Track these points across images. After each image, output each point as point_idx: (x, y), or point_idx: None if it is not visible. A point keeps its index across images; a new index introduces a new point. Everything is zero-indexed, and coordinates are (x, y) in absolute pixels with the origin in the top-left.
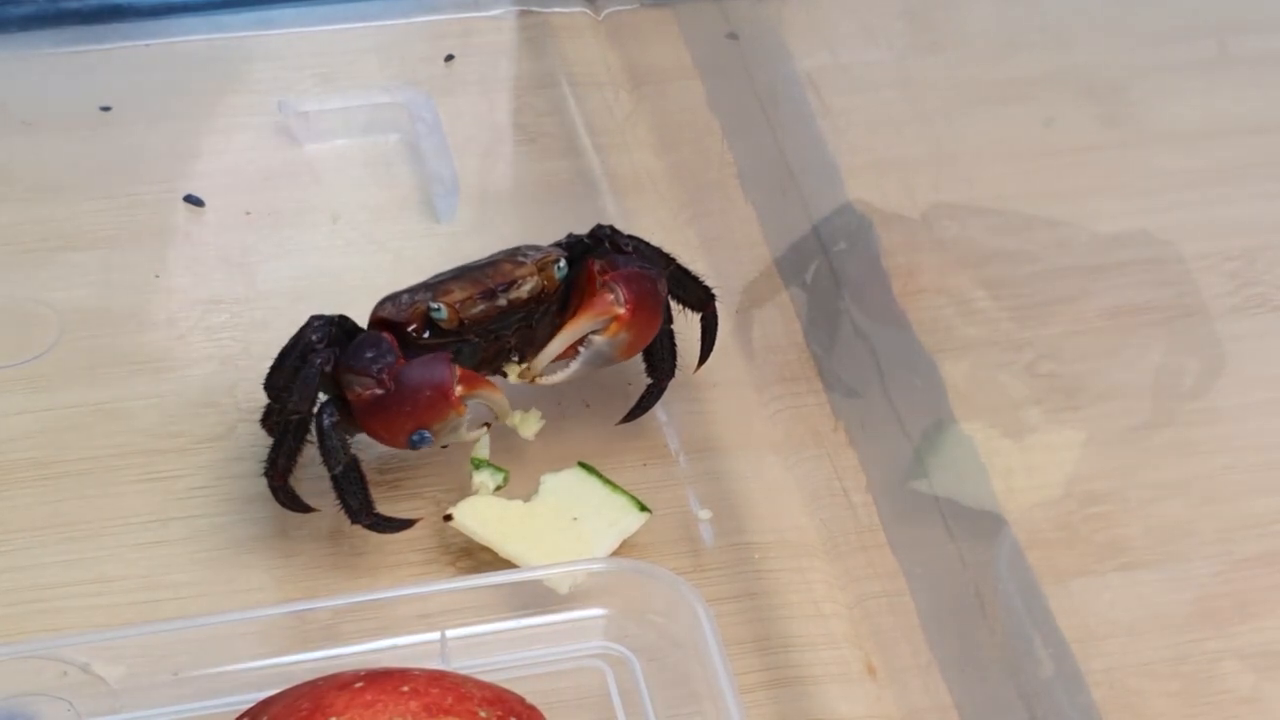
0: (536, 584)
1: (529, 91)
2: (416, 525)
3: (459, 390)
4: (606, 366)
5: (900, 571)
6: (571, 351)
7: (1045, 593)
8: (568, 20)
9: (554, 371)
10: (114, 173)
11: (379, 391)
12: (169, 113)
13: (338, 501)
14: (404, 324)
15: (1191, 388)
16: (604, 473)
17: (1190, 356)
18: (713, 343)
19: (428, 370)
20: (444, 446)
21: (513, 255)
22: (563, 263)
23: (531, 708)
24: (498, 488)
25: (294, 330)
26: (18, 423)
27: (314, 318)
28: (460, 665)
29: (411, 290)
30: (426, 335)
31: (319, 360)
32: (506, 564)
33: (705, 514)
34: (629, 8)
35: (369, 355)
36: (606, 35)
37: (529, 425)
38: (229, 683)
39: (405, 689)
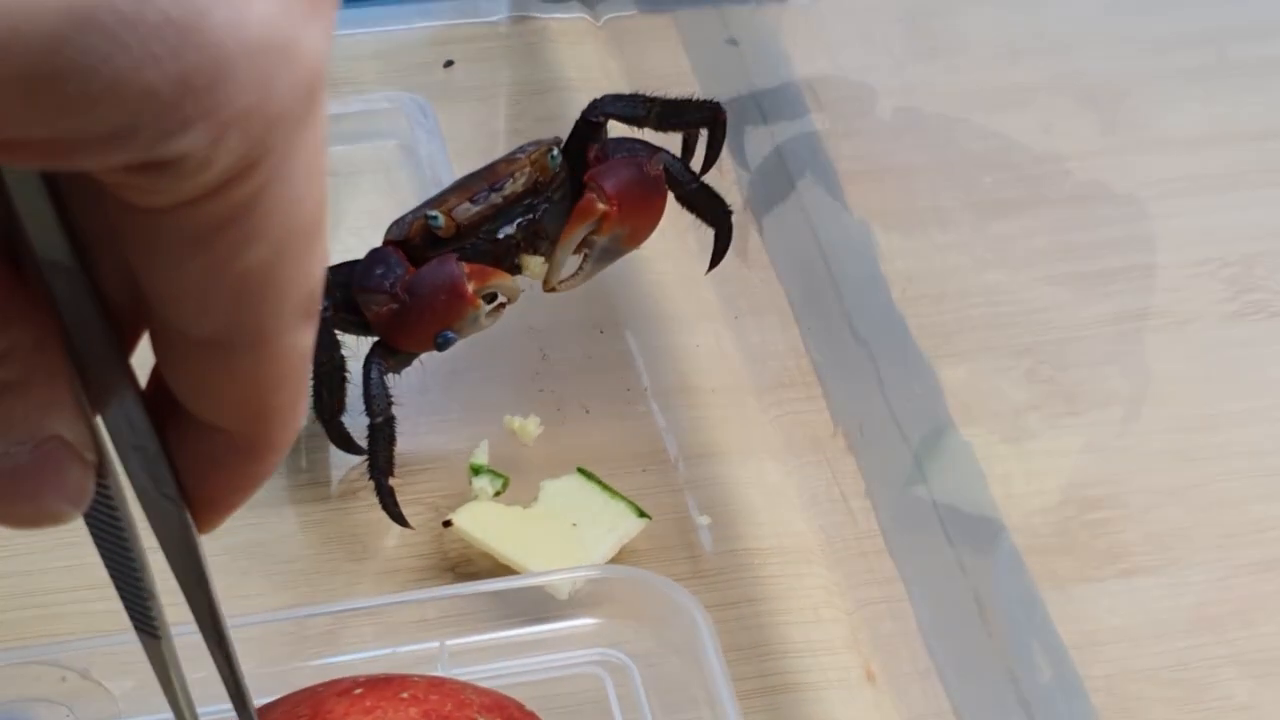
0: (536, 590)
1: (528, 97)
2: (416, 531)
3: (471, 286)
4: (624, 256)
5: (899, 577)
6: (582, 255)
7: (1044, 599)
8: (567, 26)
9: (572, 276)
10: None
11: (395, 305)
12: None
13: (367, 454)
14: (407, 241)
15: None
16: (603, 479)
17: (1189, 362)
18: (717, 153)
19: (438, 273)
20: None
21: (510, 155)
22: (555, 151)
23: (530, 714)
24: (497, 493)
25: None
26: None
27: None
28: (459, 671)
29: (414, 210)
30: (430, 246)
31: (374, 369)
32: (506, 570)
33: (704, 520)
34: (628, 13)
35: (379, 272)
36: (605, 41)
37: (528, 431)
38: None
39: (404, 695)
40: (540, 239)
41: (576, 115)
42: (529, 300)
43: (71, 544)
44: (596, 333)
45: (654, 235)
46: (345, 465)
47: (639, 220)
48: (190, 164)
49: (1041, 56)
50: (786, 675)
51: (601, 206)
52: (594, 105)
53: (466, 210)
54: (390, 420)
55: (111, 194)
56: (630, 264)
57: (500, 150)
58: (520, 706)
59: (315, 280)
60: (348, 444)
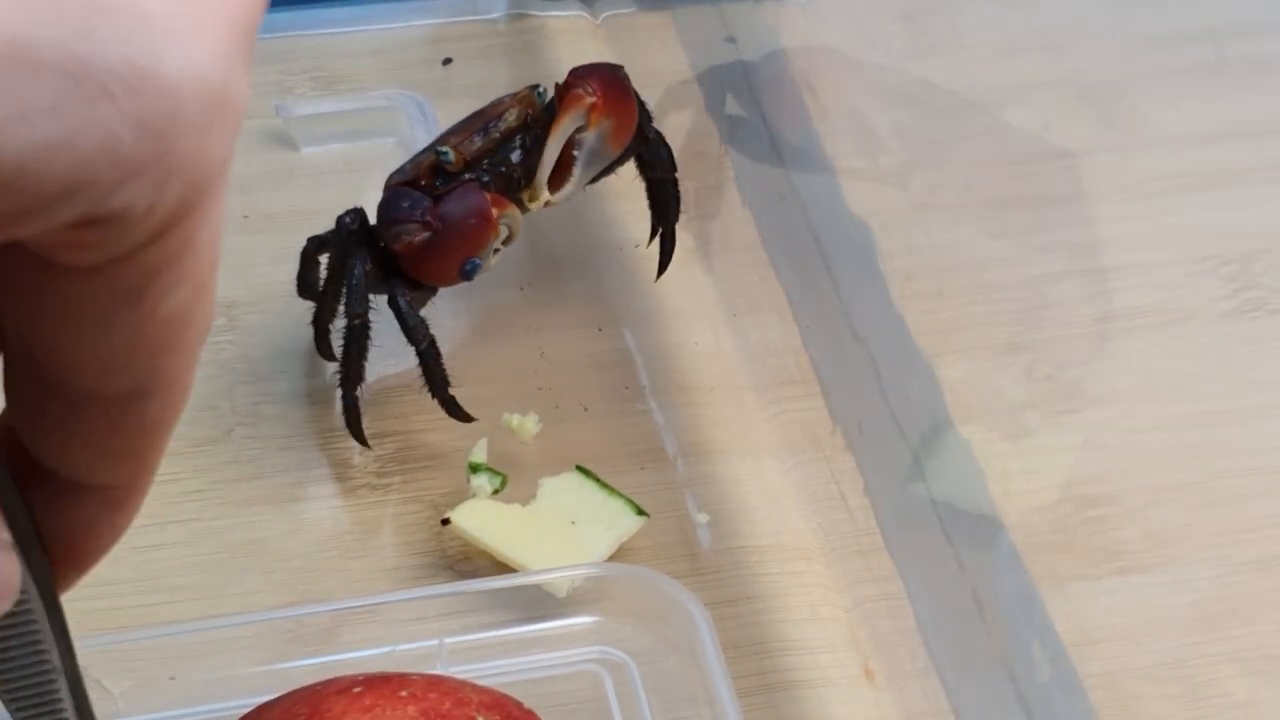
0: (534, 588)
1: None
2: (413, 529)
3: (495, 212)
4: (607, 164)
5: (898, 575)
6: (569, 161)
7: (1043, 597)
8: (565, 24)
9: (564, 188)
10: None
11: (427, 234)
12: None
13: (423, 377)
14: (416, 181)
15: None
16: (602, 476)
17: (1188, 360)
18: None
19: (466, 201)
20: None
21: (495, 101)
22: (542, 88)
23: (529, 712)
24: (495, 491)
25: (291, 334)
26: None
27: (347, 213)
28: (458, 670)
29: (412, 157)
30: (439, 183)
31: (358, 265)
32: (504, 568)
33: (703, 518)
34: (626, 11)
35: (405, 205)
36: (604, 39)
37: (527, 429)
38: (226, 687)
39: (403, 694)
40: (534, 173)
41: None
42: (527, 299)
43: None
44: (595, 331)
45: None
46: (343, 464)
47: (620, 116)
48: (134, 213)
49: (1040, 54)
50: (785, 673)
51: (589, 98)
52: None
53: (471, 144)
54: (433, 341)
55: (31, 261)
56: (628, 262)
57: None
58: (519, 705)
59: (213, 309)
60: (358, 424)
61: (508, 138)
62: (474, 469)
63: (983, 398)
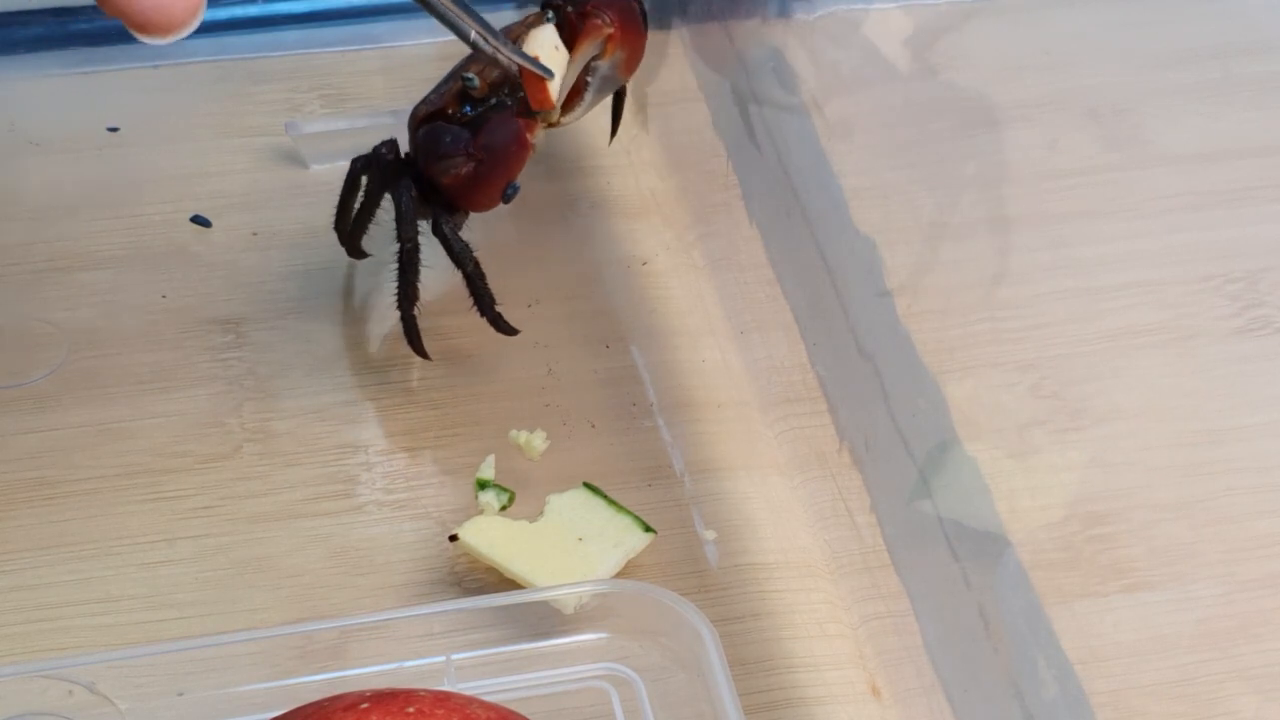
0: (541, 604)
1: None
2: (421, 545)
3: (529, 136)
4: (613, 90)
5: (904, 592)
6: (581, 86)
7: (1049, 614)
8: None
9: (573, 111)
10: (121, 193)
11: (472, 164)
12: (176, 134)
13: (471, 299)
14: (444, 110)
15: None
16: (609, 493)
17: (1194, 378)
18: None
19: (505, 129)
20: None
21: (509, 26)
22: (550, 13)
23: None
24: (503, 508)
25: (300, 351)
26: (24, 442)
27: (381, 145)
28: (465, 686)
29: (435, 88)
30: (466, 110)
31: (405, 193)
32: (511, 584)
33: (710, 535)
34: None
35: (449, 140)
36: None
37: (534, 446)
38: (234, 703)
39: (411, 710)
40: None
41: (584, 131)
42: (535, 316)
43: (80, 558)
44: (602, 348)
45: (660, 252)
46: (351, 481)
47: (633, 47)
48: None
49: (1046, 73)
50: (791, 690)
51: (608, 29)
52: None
53: (494, 72)
54: (478, 264)
55: None
56: (636, 279)
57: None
58: None
59: None
60: (418, 338)
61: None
62: (481, 485)
63: (989, 415)
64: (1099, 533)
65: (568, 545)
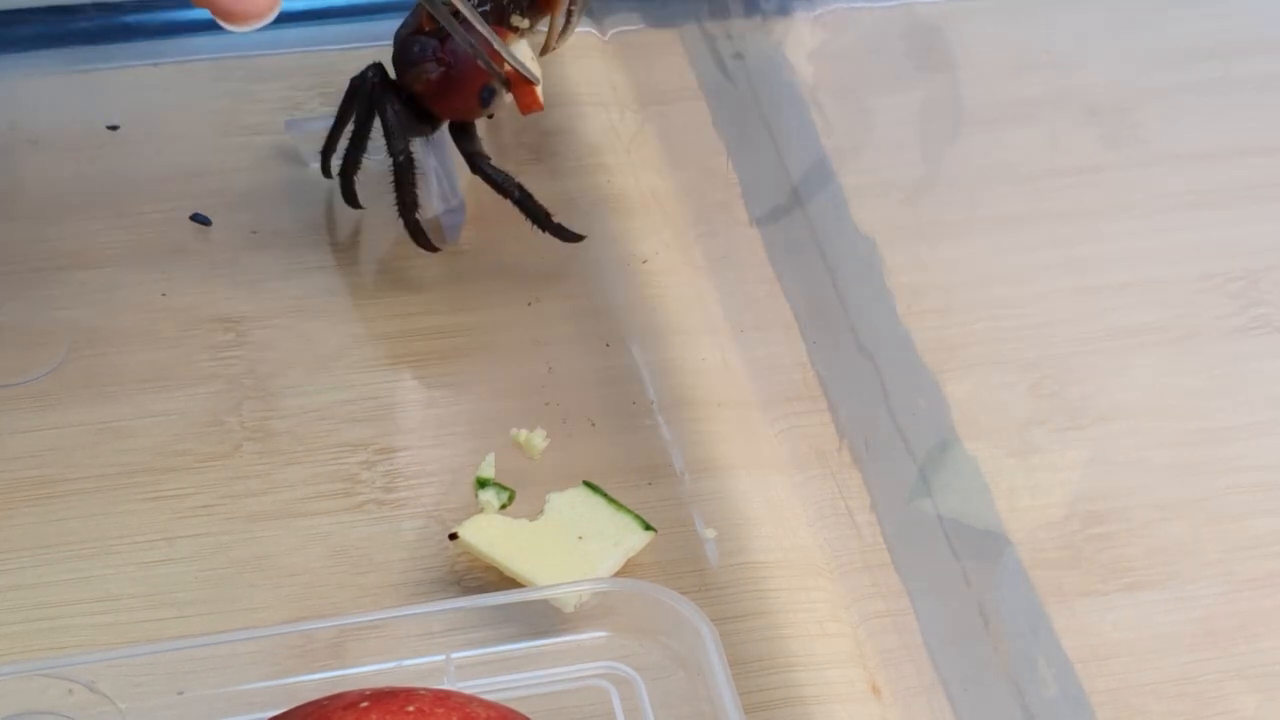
0: (541, 603)
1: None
2: (421, 544)
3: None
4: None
5: (904, 591)
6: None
7: (1049, 612)
8: (573, 41)
9: (563, 33)
10: (121, 192)
11: (441, 69)
12: (176, 132)
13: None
14: (420, 29)
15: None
16: (609, 492)
17: (1194, 377)
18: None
19: (470, 37)
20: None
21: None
22: None
23: None
24: (503, 506)
25: (300, 349)
26: (23, 441)
27: (368, 68)
28: (465, 685)
29: (413, 9)
30: (442, 26)
31: (388, 106)
32: (511, 583)
33: (710, 533)
34: (634, 28)
35: (416, 49)
36: (612, 55)
37: (534, 444)
38: (234, 702)
39: (410, 709)
40: (523, 4)
41: (584, 130)
42: (535, 314)
43: (80, 556)
44: (603, 346)
45: (660, 250)
46: (351, 479)
47: None
48: None
49: (1046, 71)
50: (791, 689)
51: None
52: None
53: None
54: (523, 187)
55: None
56: (636, 277)
57: (507, 167)
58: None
59: None
60: (423, 238)
61: None
62: (481, 484)
63: (989, 414)
64: (1099, 531)
65: (568, 544)
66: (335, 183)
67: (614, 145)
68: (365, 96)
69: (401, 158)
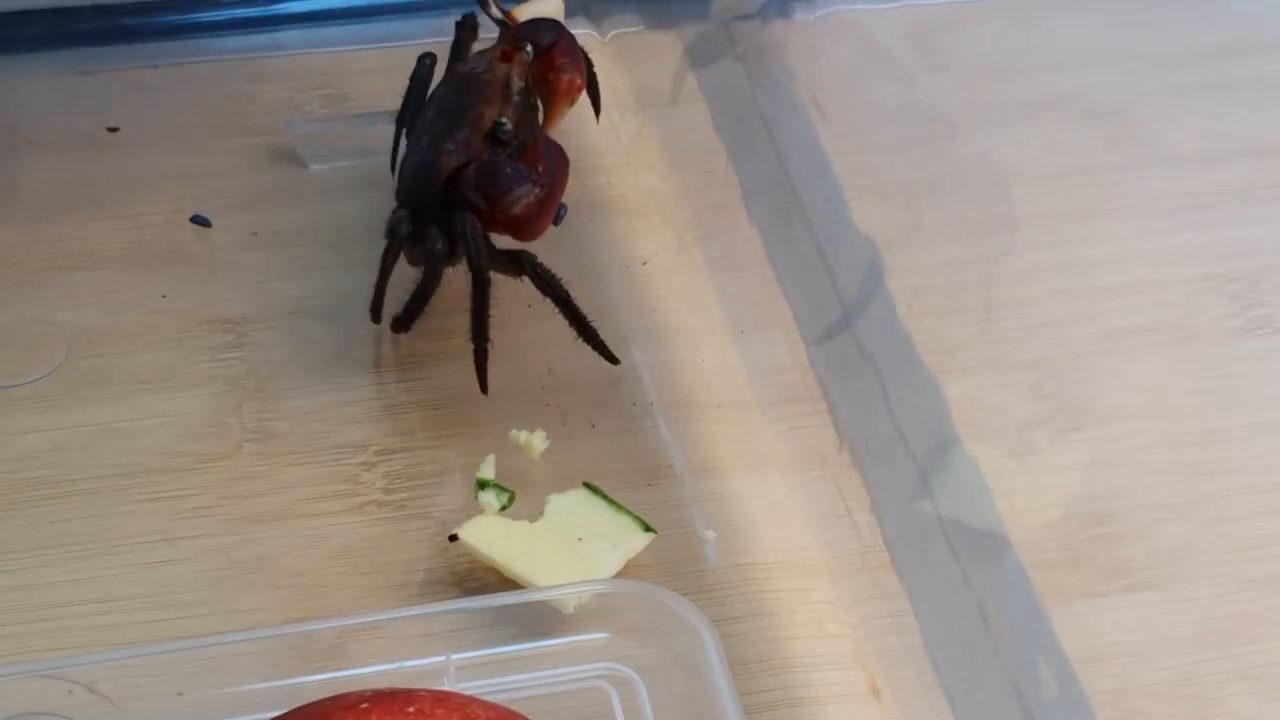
0: (541, 604)
1: None
2: (421, 545)
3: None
4: None
5: (904, 592)
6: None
7: (1049, 614)
8: None
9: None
10: (121, 193)
11: (538, 190)
12: (176, 133)
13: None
14: (479, 156)
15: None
16: (609, 493)
17: (1194, 378)
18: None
19: (553, 151)
20: None
21: (478, 64)
22: (529, 47)
23: None
24: (503, 508)
25: (300, 350)
26: (24, 442)
27: (394, 223)
28: (465, 686)
29: (450, 134)
30: (498, 152)
31: (470, 223)
32: (512, 584)
33: (710, 534)
34: (634, 30)
35: (509, 173)
36: (612, 57)
37: (534, 446)
38: (234, 703)
39: (411, 710)
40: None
41: (582, 129)
42: (535, 316)
43: (80, 557)
44: None
45: (660, 251)
46: (351, 480)
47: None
48: None
49: (1045, 72)
50: (791, 690)
51: (579, 83)
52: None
53: (514, 110)
54: (570, 294)
55: None
56: (635, 279)
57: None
58: None
59: None
60: (484, 374)
61: (526, 96)
62: (481, 485)
63: (989, 415)
64: (1099, 533)
65: (568, 545)
66: (335, 183)
67: (614, 147)
68: (411, 235)
69: (485, 275)
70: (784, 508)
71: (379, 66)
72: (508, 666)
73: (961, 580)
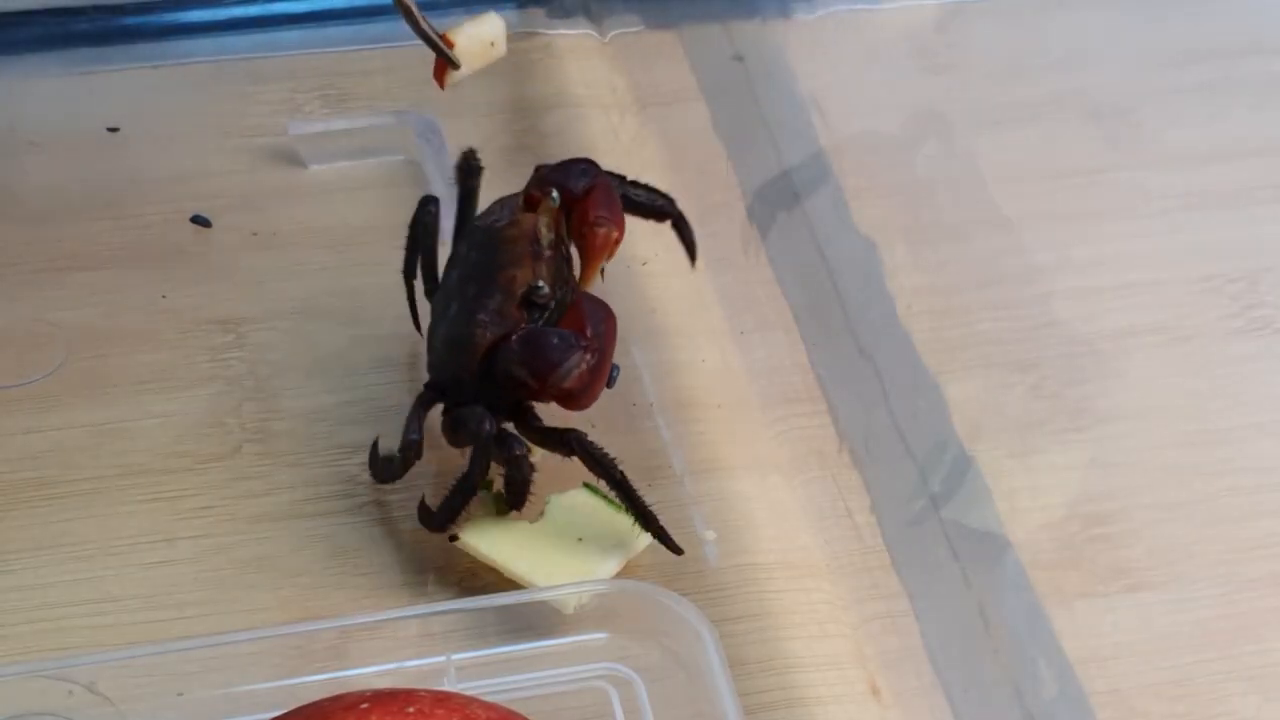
0: (542, 604)
1: (535, 113)
2: (421, 546)
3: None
4: None
5: (904, 592)
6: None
7: (1049, 614)
8: (573, 43)
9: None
10: (121, 193)
11: (591, 356)
12: (176, 134)
13: (632, 514)
14: (517, 325)
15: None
16: (608, 494)
17: (1194, 378)
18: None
19: (600, 311)
20: None
21: (500, 216)
22: (555, 193)
23: None
24: (503, 508)
25: (299, 351)
26: (24, 442)
27: (407, 434)
28: (466, 686)
29: (481, 302)
30: (536, 316)
31: (488, 421)
32: (512, 584)
33: (710, 535)
34: (634, 30)
35: (556, 343)
36: (612, 57)
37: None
38: (234, 704)
39: (411, 710)
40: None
41: (584, 131)
42: None
43: (80, 557)
44: None
45: (660, 252)
46: (351, 481)
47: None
48: None
49: (1046, 72)
50: (791, 690)
51: (616, 236)
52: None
53: (546, 270)
54: (625, 475)
55: None
56: (635, 279)
57: (508, 166)
58: None
59: None
60: (455, 518)
61: (557, 250)
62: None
63: (989, 415)
64: (1099, 533)
65: (568, 545)
66: (335, 183)
67: (614, 147)
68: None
69: (529, 475)
70: (784, 508)
71: (379, 66)
72: (508, 667)
73: (961, 580)
